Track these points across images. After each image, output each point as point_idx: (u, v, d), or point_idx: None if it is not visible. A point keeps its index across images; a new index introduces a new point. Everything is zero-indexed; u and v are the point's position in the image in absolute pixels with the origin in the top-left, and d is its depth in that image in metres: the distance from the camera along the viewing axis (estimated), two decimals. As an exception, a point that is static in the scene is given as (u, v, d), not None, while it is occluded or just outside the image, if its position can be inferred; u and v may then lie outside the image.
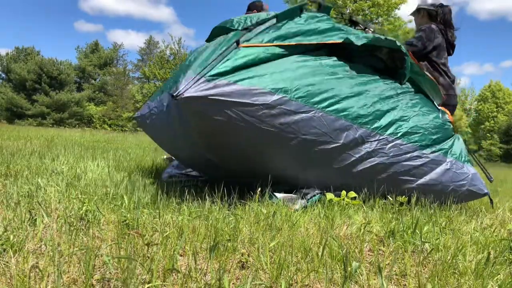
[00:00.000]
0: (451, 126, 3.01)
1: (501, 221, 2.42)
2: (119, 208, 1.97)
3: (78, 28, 68.96)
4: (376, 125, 2.52)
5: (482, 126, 36.79)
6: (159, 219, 1.81)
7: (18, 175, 2.79)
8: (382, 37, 2.74)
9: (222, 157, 2.52)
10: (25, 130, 11.96)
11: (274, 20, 2.62)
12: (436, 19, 3.48)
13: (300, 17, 2.69)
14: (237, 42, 2.25)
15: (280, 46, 2.42)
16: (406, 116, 2.67)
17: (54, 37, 72.24)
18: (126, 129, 30.62)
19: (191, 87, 1.99)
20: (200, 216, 1.91)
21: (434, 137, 2.77)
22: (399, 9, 24.03)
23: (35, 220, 1.66)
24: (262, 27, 2.50)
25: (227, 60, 2.15)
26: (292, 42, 2.48)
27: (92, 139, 9.07)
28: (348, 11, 23.99)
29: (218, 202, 2.26)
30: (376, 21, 24.51)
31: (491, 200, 2.98)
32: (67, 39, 73.22)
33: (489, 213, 2.69)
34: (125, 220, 1.74)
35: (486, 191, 2.91)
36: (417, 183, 2.66)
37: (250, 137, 2.24)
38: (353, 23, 3.27)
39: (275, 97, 2.17)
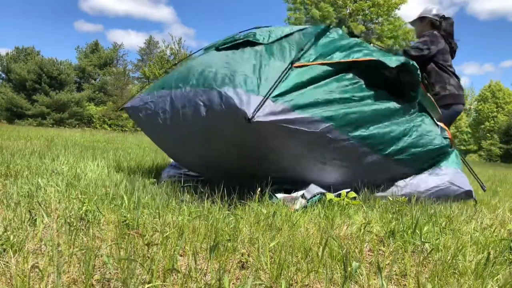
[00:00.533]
0: (448, 143, 3.11)
1: (501, 221, 2.42)
2: (119, 208, 1.97)
3: (78, 28, 69.00)
4: (388, 151, 2.67)
5: (482, 126, 36.77)
6: (159, 219, 1.81)
7: (18, 175, 2.79)
8: (410, 61, 2.77)
9: (248, 166, 2.65)
10: (25, 130, 11.96)
11: (302, 34, 2.79)
12: (439, 28, 3.60)
13: (329, 32, 2.83)
14: (292, 62, 2.39)
15: (323, 64, 2.52)
16: (414, 143, 2.81)
17: (54, 37, 72.27)
18: (126, 129, 30.61)
19: (259, 109, 2.11)
20: (200, 216, 1.91)
21: (428, 162, 3.01)
22: (399, 9, 24.07)
23: (35, 220, 1.66)
24: (305, 43, 2.60)
25: (285, 80, 2.30)
26: (333, 59, 2.58)
27: (92, 139, 9.07)
28: (348, 11, 24.00)
29: (218, 202, 2.26)
30: (376, 21, 24.53)
31: (475, 201, 3.16)
32: (67, 39, 73.24)
33: (489, 213, 2.70)
34: (125, 220, 1.74)
35: (469, 188, 3.09)
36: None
37: (293, 155, 2.44)
38: (354, 37, 3.37)
39: (324, 125, 2.33)
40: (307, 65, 2.47)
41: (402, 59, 2.70)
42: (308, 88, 2.40)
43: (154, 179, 2.98)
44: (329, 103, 2.43)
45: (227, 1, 77.50)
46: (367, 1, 23.47)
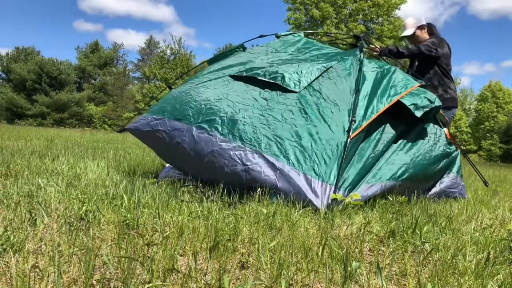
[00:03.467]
0: (452, 149, 3.23)
1: (501, 221, 2.42)
2: (119, 208, 1.97)
3: (78, 27, 68.66)
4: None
5: (482, 126, 36.72)
6: (159, 219, 1.81)
7: (18, 175, 2.79)
8: (433, 105, 2.92)
9: None
10: (25, 130, 11.96)
11: (337, 68, 2.90)
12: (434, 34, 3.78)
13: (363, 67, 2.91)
14: (348, 137, 2.45)
15: (368, 124, 2.62)
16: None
17: (54, 37, 72.04)
18: (126, 129, 30.57)
19: (326, 199, 2.24)
20: (200, 216, 1.91)
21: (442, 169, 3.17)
22: (399, 9, 24.07)
23: (35, 220, 1.66)
24: (351, 107, 2.65)
25: (339, 164, 2.37)
26: (373, 112, 2.65)
27: (92, 139, 9.07)
28: (348, 11, 23.99)
29: (218, 202, 2.26)
30: (376, 21, 24.52)
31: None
32: (66, 39, 72.95)
33: (489, 213, 2.70)
34: (125, 220, 1.74)
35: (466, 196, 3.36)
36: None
37: None
38: (356, 38, 3.45)
39: (377, 188, 2.59)
40: (358, 133, 2.53)
41: (427, 107, 2.83)
42: (357, 160, 2.54)
43: (154, 179, 2.97)
44: (372, 164, 2.61)
45: (227, 1, 77.47)
46: (367, 1, 23.46)
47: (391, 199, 2.50)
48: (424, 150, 2.89)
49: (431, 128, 3.09)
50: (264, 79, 2.88)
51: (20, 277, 1.14)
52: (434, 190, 3.14)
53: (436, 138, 3.05)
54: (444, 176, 3.20)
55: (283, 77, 2.81)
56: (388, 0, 23.33)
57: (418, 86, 2.99)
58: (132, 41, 70.84)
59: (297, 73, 2.83)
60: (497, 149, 33.70)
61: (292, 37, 3.58)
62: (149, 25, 71.83)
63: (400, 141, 2.83)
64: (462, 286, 1.32)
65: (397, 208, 2.31)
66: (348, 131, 2.46)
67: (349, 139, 2.41)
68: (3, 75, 35.97)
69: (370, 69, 2.97)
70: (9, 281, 1.16)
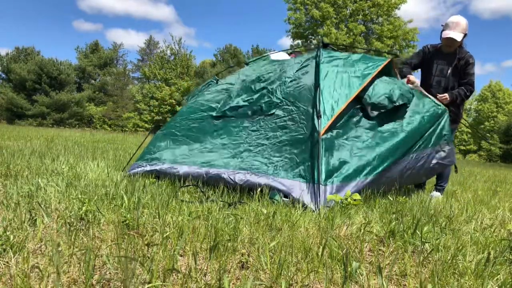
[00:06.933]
0: (439, 107, 3.28)
1: (501, 221, 2.42)
2: (119, 208, 1.97)
3: (77, 27, 68.60)
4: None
5: (482, 126, 36.72)
6: (159, 219, 1.81)
7: (18, 175, 2.79)
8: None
9: None
10: (25, 130, 11.96)
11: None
12: None
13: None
14: (319, 134, 2.53)
15: (340, 114, 2.69)
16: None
17: (53, 37, 71.93)
18: (126, 129, 30.59)
19: (320, 199, 2.33)
20: (200, 216, 1.91)
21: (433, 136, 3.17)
22: (399, 9, 24.04)
23: (35, 220, 1.66)
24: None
25: (322, 157, 2.45)
26: (344, 101, 2.73)
27: (92, 139, 9.07)
28: (348, 11, 23.99)
29: (219, 202, 2.26)
30: (376, 21, 24.52)
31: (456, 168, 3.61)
32: (66, 38, 72.73)
33: (489, 213, 2.70)
34: (125, 220, 1.74)
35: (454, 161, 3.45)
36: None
37: None
38: (325, 46, 3.44)
39: (364, 181, 2.64)
40: (328, 126, 2.57)
41: (397, 102, 2.93)
42: (337, 152, 2.57)
43: (154, 179, 2.97)
44: (361, 156, 2.62)
45: (227, 1, 77.49)
46: (367, 1, 23.45)
47: (391, 198, 2.50)
48: (414, 126, 2.98)
49: (416, 101, 3.17)
50: (244, 111, 3.05)
51: (20, 277, 1.14)
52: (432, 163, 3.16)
53: (423, 110, 3.13)
54: (443, 147, 3.23)
55: (259, 104, 2.99)
56: (388, 0, 23.32)
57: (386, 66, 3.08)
58: (132, 41, 70.86)
59: (270, 93, 3.00)
60: (497, 149, 33.66)
61: (259, 60, 3.78)
62: (149, 25, 71.77)
63: (389, 124, 2.93)
64: (462, 286, 1.32)
65: (397, 208, 2.31)
66: (317, 128, 2.54)
67: (320, 136, 2.49)
68: (3, 75, 35.97)
69: (331, 62, 3.02)
70: (9, 281, 1.16)
